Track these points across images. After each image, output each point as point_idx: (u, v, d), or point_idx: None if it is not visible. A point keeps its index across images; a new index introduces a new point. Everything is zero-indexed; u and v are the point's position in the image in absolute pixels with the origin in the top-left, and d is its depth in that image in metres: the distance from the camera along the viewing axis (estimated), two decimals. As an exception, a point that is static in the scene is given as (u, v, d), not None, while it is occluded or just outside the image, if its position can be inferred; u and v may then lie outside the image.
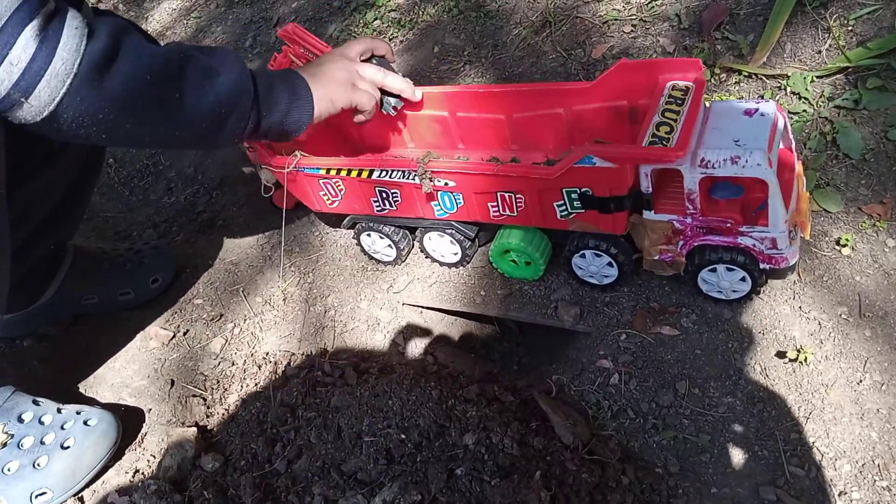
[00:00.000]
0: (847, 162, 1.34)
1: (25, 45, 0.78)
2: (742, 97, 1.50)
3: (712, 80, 1.54)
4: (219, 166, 1.87)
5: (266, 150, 1.28)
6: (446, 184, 1.18)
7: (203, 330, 1.42)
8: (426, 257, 1.39)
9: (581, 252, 1.20)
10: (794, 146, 1.12)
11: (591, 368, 1.15)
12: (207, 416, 1.23)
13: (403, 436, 1.04)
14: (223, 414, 1.22)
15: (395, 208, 1.29)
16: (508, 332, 1.47)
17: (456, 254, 1.34)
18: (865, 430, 1.01)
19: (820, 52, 1.50)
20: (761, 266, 1.08)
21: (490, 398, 1.10)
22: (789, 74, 1.48)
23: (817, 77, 1.46)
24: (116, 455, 1.17)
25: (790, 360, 1.08)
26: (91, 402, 1.28)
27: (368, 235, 1.38)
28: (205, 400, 1.26)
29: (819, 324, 1.13)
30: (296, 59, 1.35)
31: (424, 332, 1.37)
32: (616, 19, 1.71)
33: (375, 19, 2.05)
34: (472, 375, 1.20)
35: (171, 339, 1.41)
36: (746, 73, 1.52)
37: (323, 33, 2.09)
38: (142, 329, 1.44)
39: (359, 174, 1.23)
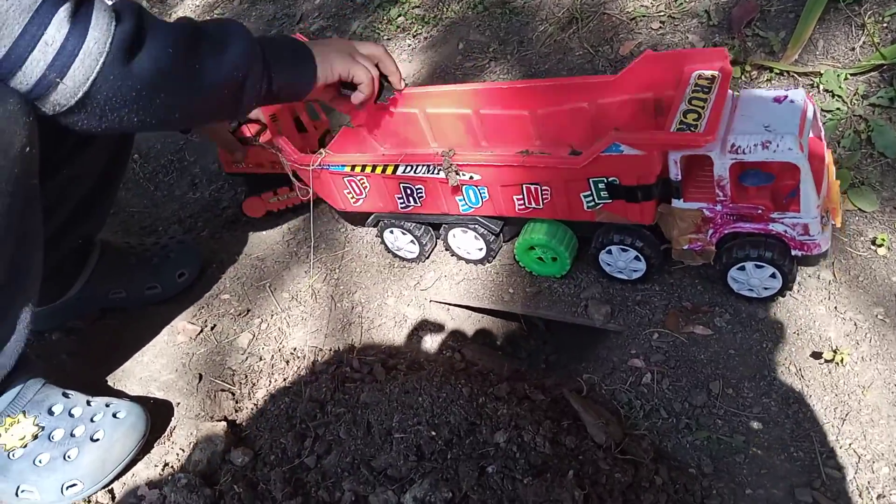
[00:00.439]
0: (882, 161, 1.32)
1: (59, 25, 0.80)
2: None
3: (743, 77, 1.52)
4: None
5: (292, 149, 1.28)
6: (471, 177, 1.18)
7: (230, 325, 1.42)
8: (451, 255, 1.38)
9: (607, 248, 1.19)
10: (822, 134, 1.11)
11: (622, 367, 1.14)
12: (236, 411, 1.23)
13: (434, 433, 1.03)
14: (252, 409, 1.22)
15: (419, 205, 1.28)
16: (535, 330, 1.46)
17: (481, 249, 1.33)
18: (904, 433, 1.00)
19: (853, 49, 1.47)
20: (793, 253, 1.07)
21: (521, 396, 1.09)
22: (822, 72, 1.46)
23: (851, 74, 1.44)
24: (145, 448, 1.17)
25: (826, 361, 1.07)
26: (120, 395, 1.28)
27: (391, 232, 1.38)
28: (233, 394, 1.26)
29: (855, 324, 1.11)
30: None
31: (451, 329, 1.36)
32: (644, 16, 1.69)
33: (399, 16, 2.05)
34: (501, 373, 1.19)
35: (199, 334, 1.41)
36: (778, 71, 1.50)
37: (346, 30, 2.09)
38: (169, 323, 1.45)
39: (384, 170, 1.23)
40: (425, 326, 1.34)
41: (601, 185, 1.10)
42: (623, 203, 1.11)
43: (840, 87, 1.43)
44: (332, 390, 1.17)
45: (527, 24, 1.83)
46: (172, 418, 1.25)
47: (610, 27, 1.71)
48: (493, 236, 1.29)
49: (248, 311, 1.45)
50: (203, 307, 1.48)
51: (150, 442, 1.19)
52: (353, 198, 1.34)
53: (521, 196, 1.19)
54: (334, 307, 1.39)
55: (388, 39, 2.03)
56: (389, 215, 1.35)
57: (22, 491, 1.08)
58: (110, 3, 0.88)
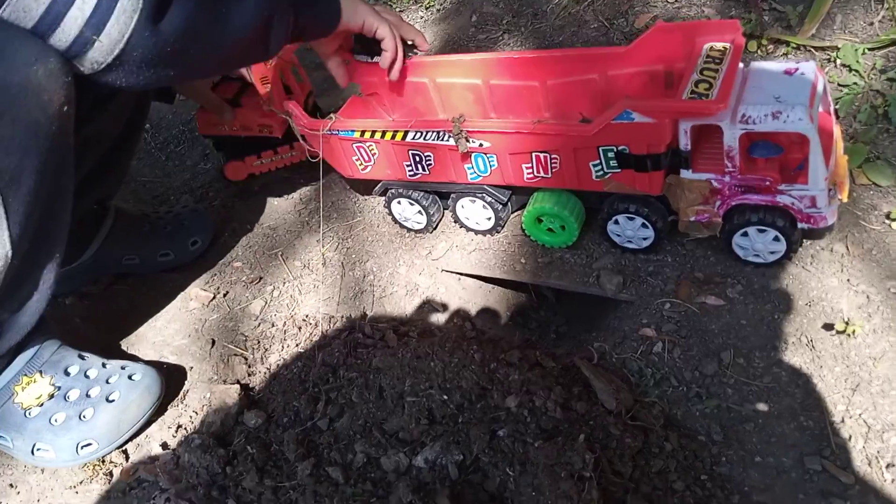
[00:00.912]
0: (898, 135, 1.31)
1: None
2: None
3: (759, 51, 1.51)
4: (255, 132, 1.87)
5: (302, 113, 1.29)
6: (481, 144, 1.18)
7: (242, 292, 1.43)
8: (460, 226, 1.38)
9: (615, 218, 1.19)
10: (832, 108, 1.11)
11: (633, 337, 1.14)
12: (249, 375, 1.24)
13: (445, 397, 1.04)
14: (265, 373, 1.23)
15: (427, 173, 1.28)
16: (545, 301, 1.47)
17: (489, 219, 1.33)
18: (914, 404, 1.00)
19: (872, 23, 1.46)
20: (800, 226, 1.07)
21: (532, 363, 1.10)
22: (839, 46, 1.45)
23: (869, 49, 1.43)
24: (159, 411, 1.19)
25: (838, 333, 1.07)
26: (134, 359, 1.30)
27: (399, 203, 1.38)
28: (246, 359, 1.27)
29: (867, 297, 1.11)
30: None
31: (463, 299, 1.37)
32: (660, -12, 1.68)
33: (413, -13, 2.03)
34: (512, 341, 1.20)
35: (212, 301, 1.42)
36: (795, 45, 1.49)
37: None
38: (182, 290, 1.46)
39: (393, 136, 1.23)
40: (437, 296, 1.34)
41: (610, 154, 1.10)
42: (632, 172, 1.11)
43: (857, 61, 1.41)
44: (345, 355, 1.18)
45: (541, -3, 1.81)
46: (185, 382, 1.26)
47: (625, 0, 1.70)
48: (501, 206, 1.29)
49: (261, 278, 1.45)
50: (215, 275, 1.49)
51: (164, 405, 1.20)
52: (361, 165, 1.34)
53: (530, 165, 1.19)
54: (346, 275, 1.40)
55: (401, 11, 2.02)
56: (397, 184, 1.35)
57: (38, 449, 1.09)
58: None
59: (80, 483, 1.10)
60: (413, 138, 1.22)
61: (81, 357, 1.17)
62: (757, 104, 1.00)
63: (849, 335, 1.06)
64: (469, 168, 1.24)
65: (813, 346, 1.07)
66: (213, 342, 1.33)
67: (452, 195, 1.32)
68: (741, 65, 1.08)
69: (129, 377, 1.14)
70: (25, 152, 0.90)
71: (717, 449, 1.00)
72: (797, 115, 0.97)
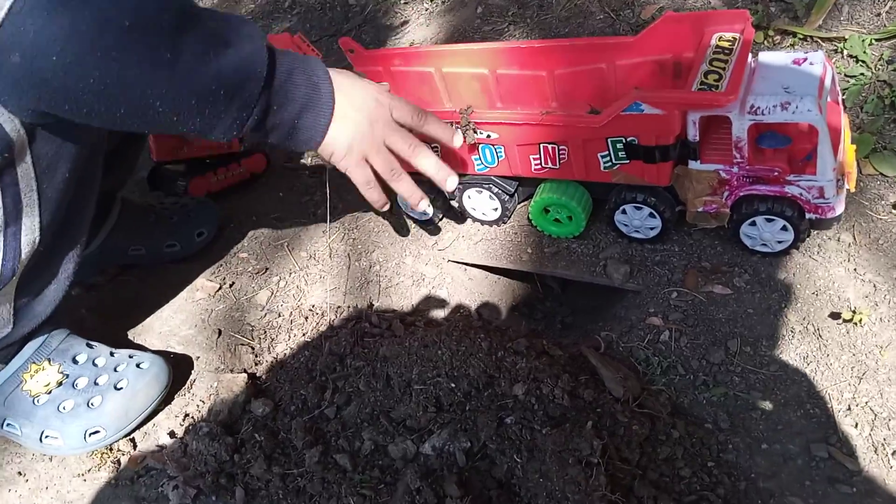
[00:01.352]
0: (905, 126, 1.31)
1: None
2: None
3: (766, 42, 1.51)
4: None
5: None
6: (488, 136, 1.18)
7: (248, 283, 1.43)
8: (466, 217, 1.39)
9: (622, 208, 1.19)
10: (840, 99, 1.11)
11: (640, 326, 1.14)
12: (256, 364, 1.25)
13: (453, 384, 1.04)
14: (271, 362, 1.23)
15: None
16: (551, 292, 1.47)
17: (496, 209, 1.33)
18: (921, 392, 1.00)
19: (879, 14, 1.46)
20: (807, 216, 1.07)
21: (539, 351, 1.10)
22: (846, 37, 1.45)
23: (876, 40, 1.43)
24: (166, 400, 1.19)
25: (844, 321, 1.07)
26: (141, 348, 1.30)
27: None
28: (252, 349, 1.27)
29: (874, 286, 1.11)
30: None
31: (469, 290, 1.37)
32: (667, -20, 1.67)
33: (418, -21, 2.03)
34: (519, 330, 1.20)
35: (218, 291, 1.42)
36: (801, 36, 1.49)
37: (364, -7, 2.07)
38: (188, 281, 1.46)
39: None
40: (443, 286, 1.34)
41: (619, 145, 1.10)
42: (640, 163, 1.11)
43: (864, 52, 1.41)
44: (352, 344, 1.18)
45: (546, -12, 1.81)
46: (192, 372, 1.26)
47: (631, -9, 1.69)
48: (508, 196, 1.30)
49: (267, 269, 1.45)
50: (221, 265, 1.49)
51: (171, 394, 1.20)
52: None
53: (537, 156, 1.19)
54: (352, 266, 1.40)
55: (406, 3, 2.01)
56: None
57: (46, 436, 1.10)
58: None
59: (88, 471, 1.11)
60: None
61: (89, 346, 1.18)
62: (766, 95, 1.00)
63: (855, 324, 1.06)
64: (476, 159, 1.25)
65: (819, 335, 1.07)
66: (220, 332, 1.33)
67: (459, 186, 1.32)
68: (749, 56, 1.08)
69: (138, 365, 1.15)
70: (64, 139, 0.90)
71: (723, 436, 1.00)
72: (806, 105, 0.97)
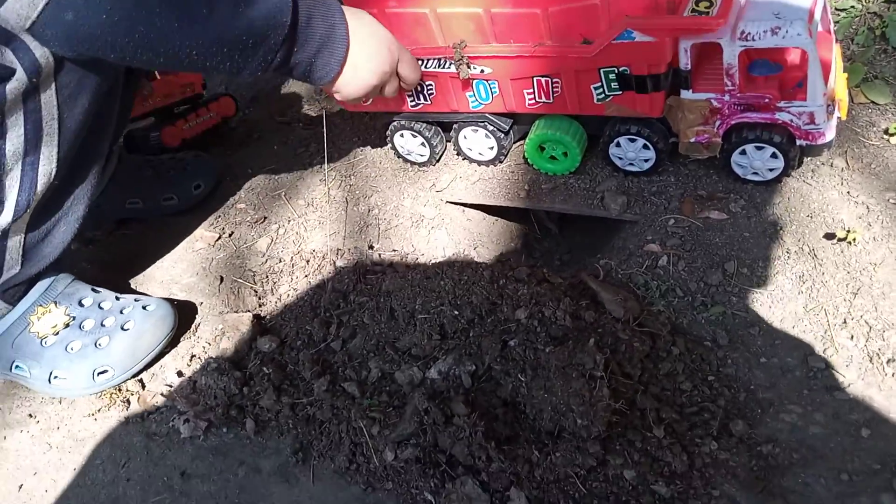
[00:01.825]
0: (895, 56, 1.32)
1: None
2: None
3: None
4: (251, 83, 1.87)
5: None
6: (482, 71, 1.19)
7: (248, 231, 1.44)
8: (462, 158, 1.40)
9: (616, 140, 1.21)
10: (832, 27, 1.12)
11: (638, 253, 1.16)
12: (260, 306, 1.26)
13: (456, 312, 1.06)
14: (275, 303, 1.25)
15: (429, 102, 1.29)
16: (548, 233, 1.49)
17: (492, 148, 1.34)
18: (914, 305, 1.02)
19: (868, -53, 1.46)
20: (798, 143, 1.09)
21: (540, 279, 1.12)
22: (836, -30, 1.45)
23: (865, -28, 1.43)
24: (172, 343, 1.20)
25: (839, 241, 1.09)
26: (144, 296, 1.31)
27: (402, 136, 1.39)
28: (256, 292, 1.29)
29: (867, 208, 1.13)
30: None
31: (468, 230, 1.38)
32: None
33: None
34: (519, 260, 1.22)
35: (217, 241, 1.43)
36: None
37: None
38: (187, 232, 1.46)
39: None
40: (441, 226, 1.35)
41: (612, 76, 1.11)
42: (633, 94, 1.12)
43: (854, -16, 1.42)
44: (354, 282, 1.19)
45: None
46: (196, 316, 1.28)
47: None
48: (503, 134, 1.31)
49: (265, 218, 1.46)
50: (220, 216, 1.50)
51: (176, 337, 1.22)
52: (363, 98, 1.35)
53: (531, 90, 1.20)
54: (350, 211, 1.41)
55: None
56: (400, 117, 1.36)
57: (55, 377, 1.11)
58: None
59: (98, 411, 1.12)
60: None
61: (95, 290, 1.18)
62: (756, 21, 1.01)
63: (849, 243, 1.08)
64: (471, 96, 1.25)
65: (815, 255, 1.09)
66: (222, 279, 1.34)
67: (455, 126, 1.33)
68: None
69: (144, 308, 1.16)
70: (87, 71, 0.92)
71: (722, 352, 1.02)
72: (796, 29, 0.98)
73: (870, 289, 1.05)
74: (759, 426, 0.95)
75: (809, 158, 1.19)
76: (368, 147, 1.53)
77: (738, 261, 1.10)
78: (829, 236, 1.10)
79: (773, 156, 1.12)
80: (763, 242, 1.11)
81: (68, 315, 1.13)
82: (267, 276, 1.33)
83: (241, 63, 0.90)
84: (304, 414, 1.03)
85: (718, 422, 0.95)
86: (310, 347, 1.12)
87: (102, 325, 1.13)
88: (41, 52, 0.86)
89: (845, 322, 1.02)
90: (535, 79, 1.17)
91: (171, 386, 1.14)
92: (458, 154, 1.38)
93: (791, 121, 1.07)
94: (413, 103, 1.31)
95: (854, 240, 1.08)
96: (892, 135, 1.21)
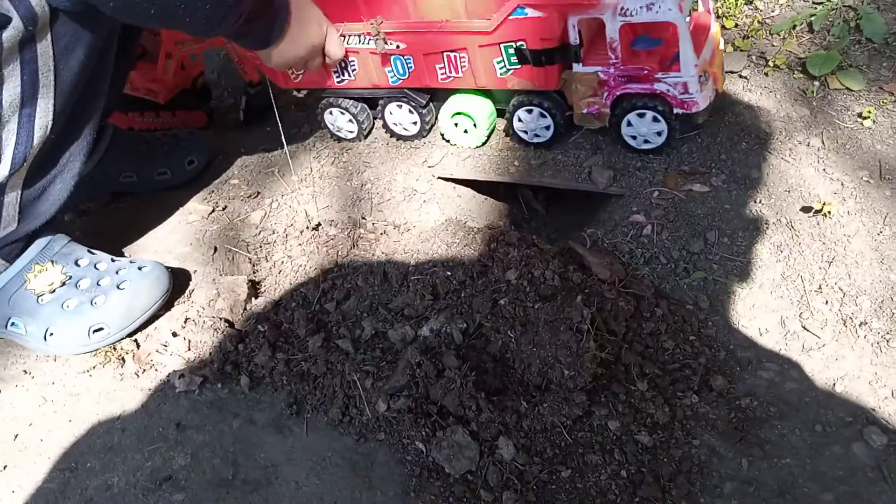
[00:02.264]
0: (870, 46, 1.39)
1: None
2: (768, -10, 1.54)
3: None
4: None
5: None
6: (398, 46, 1.27)
7: (241, 206, 1.46)
8: (390, 134, 1.49)
9: (517, 113, 1.31)
10: (711, 7, 1.23)
11: (624, 224, 1.20)
12: (254, 273, 1.28)
13: (449, 273, 1.09)
14: (270, 269, 1.27)
15: (353, 78, 1.38)
16: (536, 214, 1.52)
17: (415, 123, 1.43)
18: (885, 273, 1.07)
19: (845, -56, 1.53)
20: (675, 111, 1.18)
21: (529, 244, 1.15)
22: (814, -34, 1.51)
23: (841, -32, 1.50)
24: (167, 305, 1.22)
25: (815, 213, 1.14)
26: (138, 262, 1.33)
27: (331, 113, 1.48)
28: (250, 259, 1.31)
29: (842, 184, 1.18)
30: None
31: (458, 205, 1.41)
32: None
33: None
34: (509, 228, 1.26)
35: (211, 213, 1.45)
36: (771, -33, 1.56)
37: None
38: (181, 205, 1.48)
39: None
40: (433, 201, 1.39)
41: (511, 51, 1.20)
42: (530, 68, 1.21)
43: (831, -21, 1.49)
44: (349, 248, 1.22)
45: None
46: (191, 282, 1.29)
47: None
48: (422, 108, 1.39)
49: (258, 193, 1.49)
50: (213, 191, 1.52)
51: (171, 302, 1.23)
52: (293, 74, 1.43)
53: (442, 65, 1.29)
54: (343, 186, 1.44)
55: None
56: (329, 94, 1.45)
57: (50, 334, 1.12)
58: None
59: (93, 368, 1.14)
60: None
61: (91, 252, 1.20)
62: None
63: (825, 215, 1.13)
64: (390, 71, 1.34)
65: (792, 227, 1.14)
66: (216, 249, 1.36)
67: (380, 102, 1.42)
68: None
69: (139, 268, 1.18)
70: (82, 24, 0.94)
71: (703, 315, 1.07)
72: (668, 5, 1.07)
73: (844, 258, 1.10)
74: (738, 382, 0.99)
75: (787, 136, 1.24)
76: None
77: (719, 231, 1.14)
78: (806, 209, 1.15)
79: (655, 119, 1.21)
80: (743, 214, 1.16)
81: (65, 274, 1.14)
82: (261, 246, 1.35)
83: (215, 21, 0.98)
84: (299, 370, 1.05)
85: (699, 377, 0.99)
86: (304, 308, 1.14)
87: (98, 284, 1.15)
88: (37, 1, 0.89)
89: (820, 288, 1.07)
90: (444, 54, 1.26)
91: (166, 345, 1.16)
92: (385, 130, 1.48)
93: (668, 90, 1.17)
94: (339, 79, 1.40)
95: (829, 213, 1.13)
96: (865, 118, 1.27)
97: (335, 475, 0.95)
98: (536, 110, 1.28)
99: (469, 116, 1.34)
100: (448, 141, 1.42)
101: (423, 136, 1.45)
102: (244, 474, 0.97)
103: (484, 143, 1.39)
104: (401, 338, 1.05)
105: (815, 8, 1.47)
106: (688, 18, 1.16)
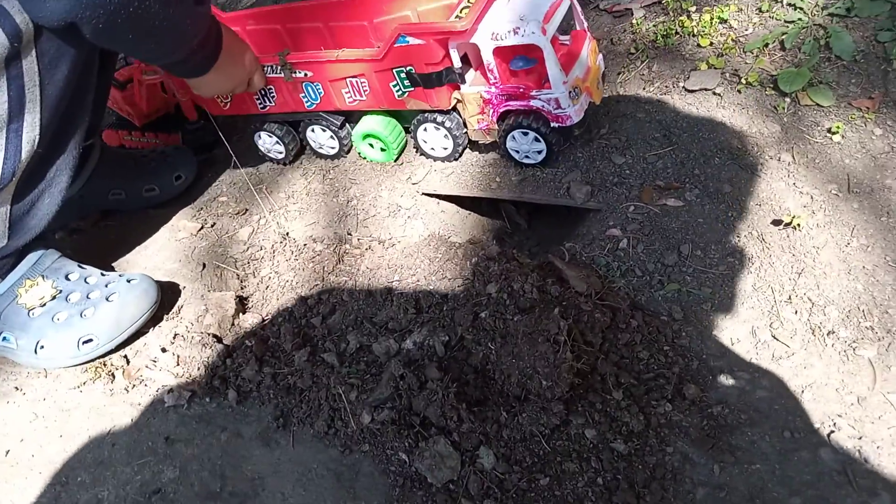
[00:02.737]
0: (839, 63, 1.43)
1: None
2: (741, 9, 1.59)
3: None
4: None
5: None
6: (306, 74, 1.35)
7: (229, 223, 1.49)
8: (313, 153, 1.56)
9: (419, 130, 1.39)
10: (586, 26, 1.30)
11: (601, 238, 1.24)
12: (242, 288, 1.31)
13: (431, 288, 1.12)
14: (257, 284, 1.30)
15: (273, 104, 1.46)
16: (518, 228, 1.56)
17: (333, 147, 1.51)
18: (852, 283, 1.11)
19: (814, -35, 1.58)
20: (552, 125, 1.25)
21: (509, 258, 1.18)
22: (785, -13, 1.56)
23: (811, -12, 1.54)
24: (155, 320, 1.24)
25: (785, 226, 1.18)
26: (127, 279, 1.35)
27: (259, 137, 1.55)
28: (238, 275, 1.34)
29: (811, 197, 1.22)
30: None
31: (442, 221, 1.45)
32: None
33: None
34: (490, 244, 1.29)
35: (199, 231, 1.48)
36: (746, -13, 1.60)
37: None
38: (169, 223, 1.51)
39: None
40: (417, 216, 1.42)
41: (403, 75, 1.27)
42: (421, 90, 1.28)
43: (802, 0, 1.53)
44: (334, 263, 1.25)
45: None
46: (179, 298, 1.32)
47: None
48: (338, 128, 1.47)
49: (246, 210, 1.52)
50: (202, 209, 1.55)
51: (159, 316, 1.26)
52: (221, 101, 1.51)
53: (348, 90, 1.36)
54: (330, 202, 1.47)
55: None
56: (258, 119, 1.52)
57: (41, 347, 1.14)
58: None
59: (84, 384, 1.16)
60: None
61: (81, 267, 1.23)
62: (503, 23, 1.16)
63: (794, 227, 1.17)
64: (304, 97, 1.41)
65: (763, 239, 1.18)
66: (204, 265, 1.39)
67: (301, 124, 1.50)
68: None
69: (128, 281, 1.20)
70: (66, 41, 0.97)
71: (677, 325, 1.10)
72: (531, 29, 1.13)
73: (813, 269, 1.13)
74: (711, 390, 1.02)
75: (759, 152, 1.28)
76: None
77: (693, 244, 1.18)
78: (777, 222, 1.19)
79: (536, 140, 1.28)
80: (716, 227, 1.20)
81: (55, 288, 1.17)
82: (248, 262, 1.38)
83: (170, 50, 1.08)
84: (285, 383, 1.08)
85: (673, 386, 1.02)
86: (291, 322, 1.17)
87: (88, 297, 1.18)
88: (21, 18, 0.92)
89: (790, 299, 1.11)
90: (347, 80, 1.33)
91: (155, 360, 1.18)
92: (310, 150, 1.56)
93: (542, 106, 1.23)
94: (262, 105, 1.48)
95: (799, 225, 1.17)
96: (834, 133, 1.31)
97: (321, 486, 0.98)
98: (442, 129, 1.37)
99: (378, 137, 1.42)
100: (365, 158, 1.51)
101: (344, 156, 1.54)
102: (232, 486, 1.00)
103: (396, 159, 1.49)
104: (385, 351, 1.08)
105: (787, 26, 1.52)
106: (567, 38, 1.27)
